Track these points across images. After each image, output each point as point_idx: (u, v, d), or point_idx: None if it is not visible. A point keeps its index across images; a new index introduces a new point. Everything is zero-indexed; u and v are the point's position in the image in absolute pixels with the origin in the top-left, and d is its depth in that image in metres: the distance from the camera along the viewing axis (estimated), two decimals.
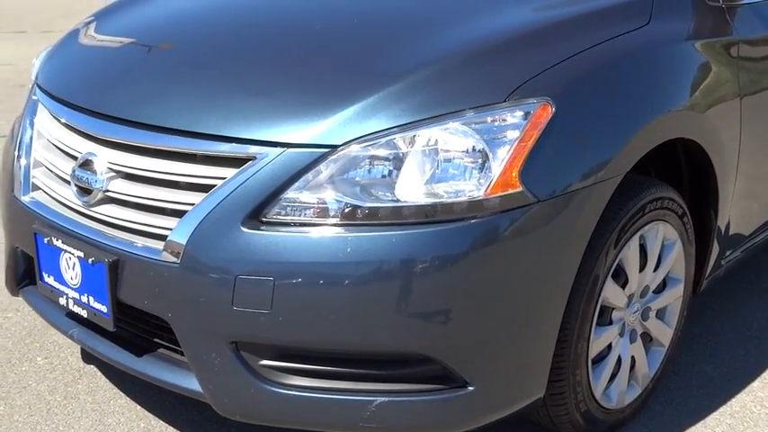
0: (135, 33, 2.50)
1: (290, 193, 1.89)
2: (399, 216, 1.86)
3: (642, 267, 2.29)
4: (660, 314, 2.47)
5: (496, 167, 1.87)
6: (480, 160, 1.88)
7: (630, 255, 2.21)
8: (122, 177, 2.09)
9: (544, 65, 2.00)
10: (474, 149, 1.88)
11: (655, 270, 2.35)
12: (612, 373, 2.32)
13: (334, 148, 1.90)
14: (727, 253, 2.73)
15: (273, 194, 1.89)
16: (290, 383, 1.94)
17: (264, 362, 1.95)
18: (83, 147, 2.16)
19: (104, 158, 2.10)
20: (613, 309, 2.25)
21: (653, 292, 2.39)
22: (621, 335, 2.30)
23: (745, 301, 3.17)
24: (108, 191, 2.09)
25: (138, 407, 2.49)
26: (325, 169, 1.89)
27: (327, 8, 2.45)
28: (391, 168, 1.89)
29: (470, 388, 1.93)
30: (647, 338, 2.44)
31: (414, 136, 1.90)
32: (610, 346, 2.28)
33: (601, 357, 2.27)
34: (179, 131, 2.01)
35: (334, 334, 1.87)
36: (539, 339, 1.99)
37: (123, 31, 2.57)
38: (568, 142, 1.96)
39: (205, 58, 2.25)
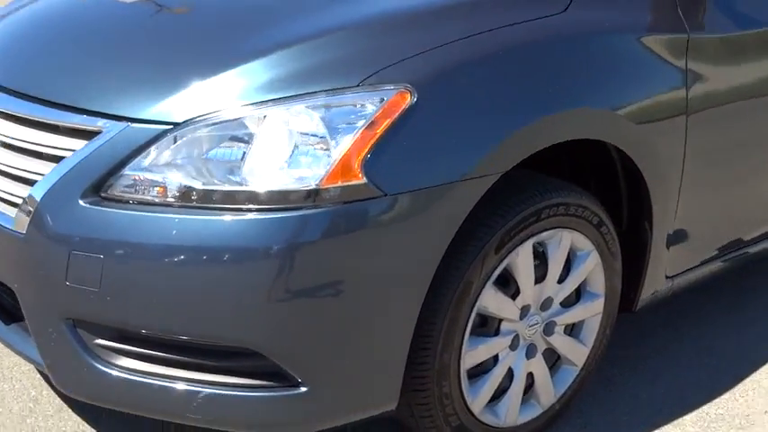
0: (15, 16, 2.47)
1: (129, 170, 1.81)
2: (234, 201, 1.76)
3: (542, 278, 2.12)
4: (572, 330, 2.29)
5: (336, 155, 1.74)
6: (322, 147, 1.76)
7: (520, 262, 2.04)
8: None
9: (412, 50, 1.85)
10: (317, 135, 1.76)
11: (561, 282, 2.17)
12: (503, 388, 2.16)
13: (176, 125, 1.81)
14: (678, 271, 2.51)
15: (113, 170, 1.82)
16: (123, 365, 1.87)
17: (100, 341, 1.88)
18: None
19: None
20: (502, 320, 2.08)
21: (561, 305, 2.21)
22: (513, 348, 2.13)
23: (713, 321, 2.92)
24: None
25: (37, 376, 2.48)
26: (166, 147, 1.81)
27: None
28: (234, 150, 1.79)
29: (303, 389, 1.81)
30: (554, 356, 2.26)
31: (260, 117, 1.79)
32: (497, 359, 2.11)
33: (486, 370, 2.11)
34: (42, 101, 1.98)
35: (159, 319, 1.79)
36: (385, 346, 1.86)
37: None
38: (430, 134, 1.81)
39: (72, 34, 2.21)
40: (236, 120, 1.78)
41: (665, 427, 2.39)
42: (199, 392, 1.82)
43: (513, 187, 2.01)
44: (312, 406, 1.84)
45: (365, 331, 1.82)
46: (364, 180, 1.74)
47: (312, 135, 1.76)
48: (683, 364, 2.68)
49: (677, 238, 2.42)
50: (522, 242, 2.01)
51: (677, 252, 2.46)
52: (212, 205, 1.76)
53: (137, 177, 1.81)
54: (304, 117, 1.77)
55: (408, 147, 1.78)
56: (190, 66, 1.91)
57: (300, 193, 1.73)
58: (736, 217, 2.59)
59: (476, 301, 1.98)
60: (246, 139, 1.78)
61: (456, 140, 1.83)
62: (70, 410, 2.35)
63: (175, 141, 1.80)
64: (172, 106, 1.83)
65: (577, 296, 2.26)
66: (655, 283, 2.46)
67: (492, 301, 2.01)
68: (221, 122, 1.78)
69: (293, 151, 1.76)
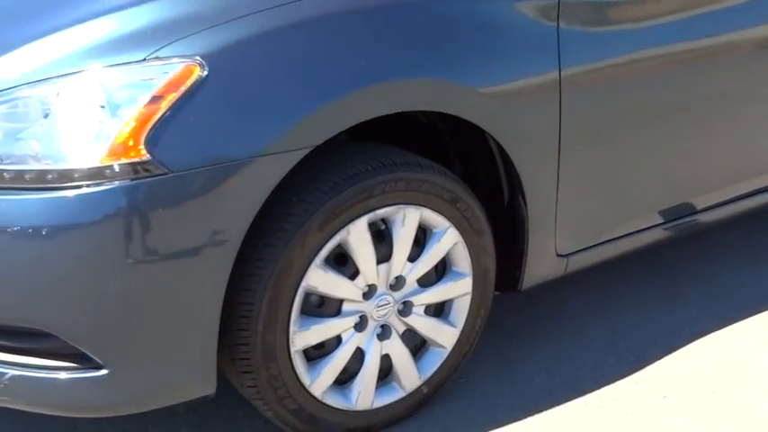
0: None
1: None
2: (20, 180, 1.71)
3: (389, 256, 2.03)
4: (441, 311, 2.19)
5: (118, 131, 1.69)
6: (106, 123, 1.71)
7: (354, 241, 1.96)
8: None
9: (204, 24, 1.78)
10: (100, 110, 1.72)
11: (413, 260, 2.08)
12: (355, 371, 2.09)
13: None
14: (572, 249, 2.38)
15: None
16: None
17: None
18: None
19: None
20: (344, 300, 2.01)
21: (419, 285, 2.12)
22: (360, 330, 2.05)
23: (628, 302, 2.78)
24: None
25: None
26: None
27: None
28: (17, 127, 1.75)
29: (104, 372, 1.78)
30: (419, 337, 2.17)
31: (44, 93, 1.74)
32: (341, 340, 2.04)
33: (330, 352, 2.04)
34: None
35: None
36: (191, 328, 1.80)
37: None
38: (222, 109, 1.74)
39: None
40: (19, 99, 1.75)
41: (550, 410, 2.28)
42: (4, 374, 1.81)
43: (340, 163, 1.93)
44: (116, 389, 1.80)
45: (165, 313, 1.78)
46: (148, 157, 1.69)
47: (95, 111, 1.71)
48: (591, 346, 2.55)
49: (565, 215, 2.29)
50: (352, 220, 1.93)
51: (568, 230, 2.33)
52: None
53: None
54: (87, 92, 1.73)
55: (197, 122, 1.72)
56: None
57: (83, 171, 1.69)
58: (630, 196, 2.43)
59: (300, 281, 1.90)
60: (28, 117, 1.74)
61: (251, 116, 1.76)
62: None
63: None
64: None
65: (441, 275, 2.16)
66: (543, 262, 2.34)
67: (322, 280, 1.94)
68: (4, 101, 1.75)
69: (77, 128, 1.72)
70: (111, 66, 1.74)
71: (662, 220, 2.55)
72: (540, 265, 2.34)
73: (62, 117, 1.73)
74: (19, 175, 1.72)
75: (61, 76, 1.76)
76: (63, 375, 1.80)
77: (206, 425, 2.21)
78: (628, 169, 2.37)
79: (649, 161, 2.40)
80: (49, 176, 1.70)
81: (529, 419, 2.24)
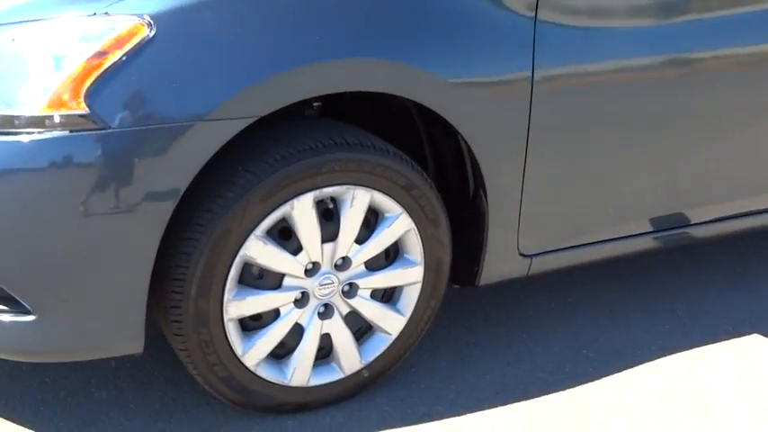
0: None
1: None
2: None
3: (335, 236, 2.03)
4: (386, 297, 2.18)
5: (58, 81, 1.71)
6: (48, 73, 1.73)
7: (298, 216, 1.95)
8: None
9: None
10: (45, 61, 1.74)
11: (361, 243, 2.07)
12: (293, 347, 2.09)
13: None
14: (535, 251, 2.34)
15: None
16: None
17: None
18: None
19: None
20: (284, 275, 2.01)
21: (367, 268, 2.11)
22: (301, 306, 2.05)
23: (591, 316, 2.72)
24: None
25: None
26: None
27: None
28: None
29: (31, 317, 1.81)
30: (363, 321, 2.16)
31: None
32: (279, 314, 2.04)
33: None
34: None
35: None
36: (120, 285, 1.82)
37: None
38: (166, 71, 1.75)
39: None
40: None
41: (491, 410, 2.25)
42: None
43: (291, 137, 1.93)
44: (42, 336, 1.83)
45: (94, 267, 1.80)
46: (87, 111, 1.71)
47: (44, 60, 1.74)
48: (551, 351, 2.51)
49: (529, 214, 2.26)
50: (297, 195, 1.93)
51: (532, 230, 2.30)
52: None
53: None
54: (32, 43, 1.75)
55: (139, 81, 1.74)
56: None
57: (25, 119, 1.72)
58: (603, 204, 2.38)
59: (238, 250, 1.91)
60: None
61: (195, 80, 1.77)
62: None
63: None
64: None
65: (389, 261, 2.15)
66: (504, 260, 2.31)
67: (261, 252, 1.94)
68: None
69: (24, 75, 1.75)
70: (63, 17, 1.76)
71: (636, 232, 2.49)
72: (501, 263, 2.31)
73: (12, 63, 1.76)
74: None
75: (18, 22, 1.79)
76: None
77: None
78: (601, 176, 2.32)
79: (625, 169, 2.34)
80: None
81: (468, 416, 2.21)
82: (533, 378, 2.39)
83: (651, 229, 2.51)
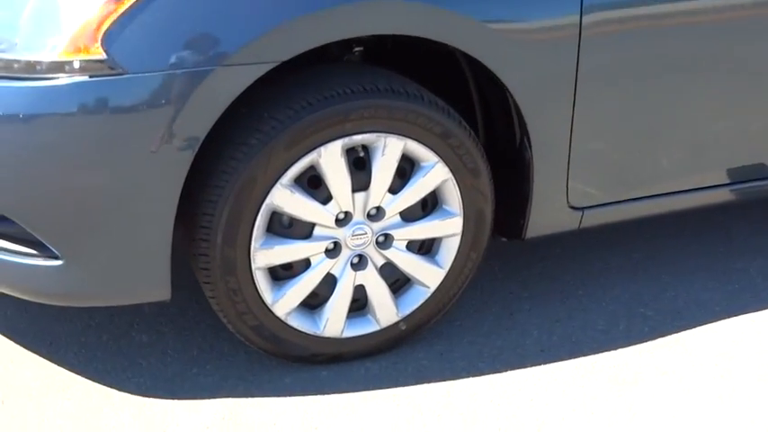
0: None
1: None
2: None
3: (367, 185, 1.97)
4: (425, 249, 2.12)
5: (76, 26, 1.69)
6: (65, 17, 1.70)
7: (326, 164, 1.90)
8: None
9: None
10: (63, 3, 1.72)
11: (395, 193, 2.01)
12: (326, 297, 2.06)
13: None
14: (586, 203, 2.23)
15: None
16: None
17: None
18: None
19: None
20: (315, 224, 1.97)
21: (402, 219, 2.05)
22: (333, 256, 2.01)
23: (655, 273, 2.59)
24: None
25: None
26: None
27: None
28: None
29: (59, 262, 1.83)
30: (399, 272, 2.11)
31: None
32: (309, 264, 2.01)
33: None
34: None
35: None
36: (144, 231, 1.82)
37: None
38: (187, 15, 1.71)
39: None
40: None
41: (534, 368, 2.17)
42: None
43: (319, 83, 1.87)
44: (70, 281, 1.85)
45: (118, 213, 1.80)
46: (104, 56, 1.69)
47: (58, 6, 1.72)
48: (606, 309, 2.40)
49: (579, 165, 2.15)
50: (324, 143, 1.88)
51: (582, 182, 2.18)
52: None
53: None
54: None
55: (157, 25, 1.70)
56: None
57: (45, 64, 1.71)
58: (657, 156, 2.24)
59: (264, 199, 1.88)
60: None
61: (215, 24, 1.72)
62: None
63: None
64: None
65: (426, 211, 2.08)
66: (551, 212, 2.21)
67: (288, 201, 1.90)
68: None
69: (38, 22, 1.73)
70: None
71: (700, 185, 2.34)
72: (548, 216, 2.21)
73: (32, 8, 1.75)
74: None
75: None
76: (20, 260, 1.85)
77: None
78: (654, 126, 2.18)
79: (677, 119, 2.19)
80: (16, 66, 1.73)
81: (508, 373, 2.14)
82: (583, 336, 2.29)
83: (719, 183, 2.36)
